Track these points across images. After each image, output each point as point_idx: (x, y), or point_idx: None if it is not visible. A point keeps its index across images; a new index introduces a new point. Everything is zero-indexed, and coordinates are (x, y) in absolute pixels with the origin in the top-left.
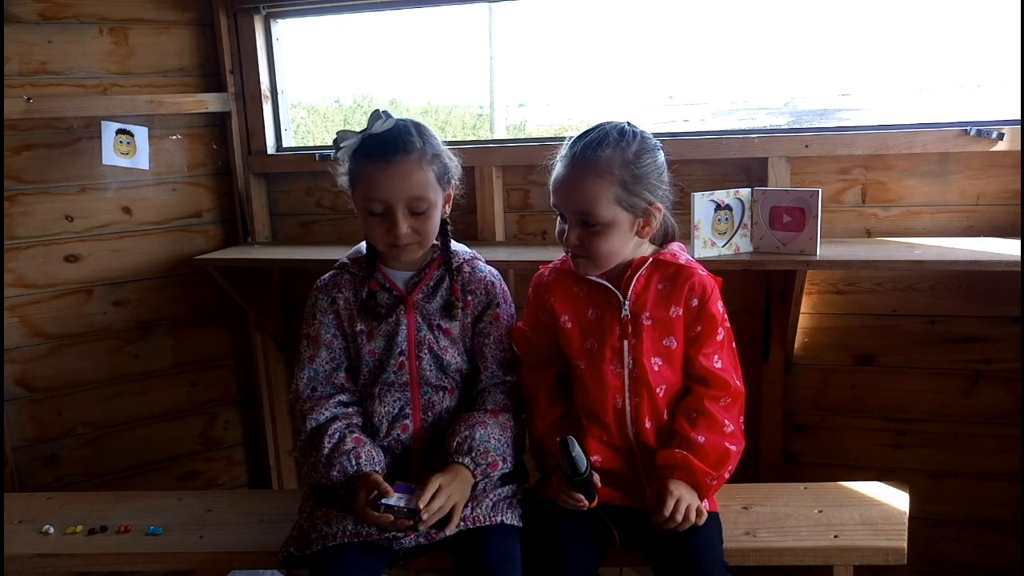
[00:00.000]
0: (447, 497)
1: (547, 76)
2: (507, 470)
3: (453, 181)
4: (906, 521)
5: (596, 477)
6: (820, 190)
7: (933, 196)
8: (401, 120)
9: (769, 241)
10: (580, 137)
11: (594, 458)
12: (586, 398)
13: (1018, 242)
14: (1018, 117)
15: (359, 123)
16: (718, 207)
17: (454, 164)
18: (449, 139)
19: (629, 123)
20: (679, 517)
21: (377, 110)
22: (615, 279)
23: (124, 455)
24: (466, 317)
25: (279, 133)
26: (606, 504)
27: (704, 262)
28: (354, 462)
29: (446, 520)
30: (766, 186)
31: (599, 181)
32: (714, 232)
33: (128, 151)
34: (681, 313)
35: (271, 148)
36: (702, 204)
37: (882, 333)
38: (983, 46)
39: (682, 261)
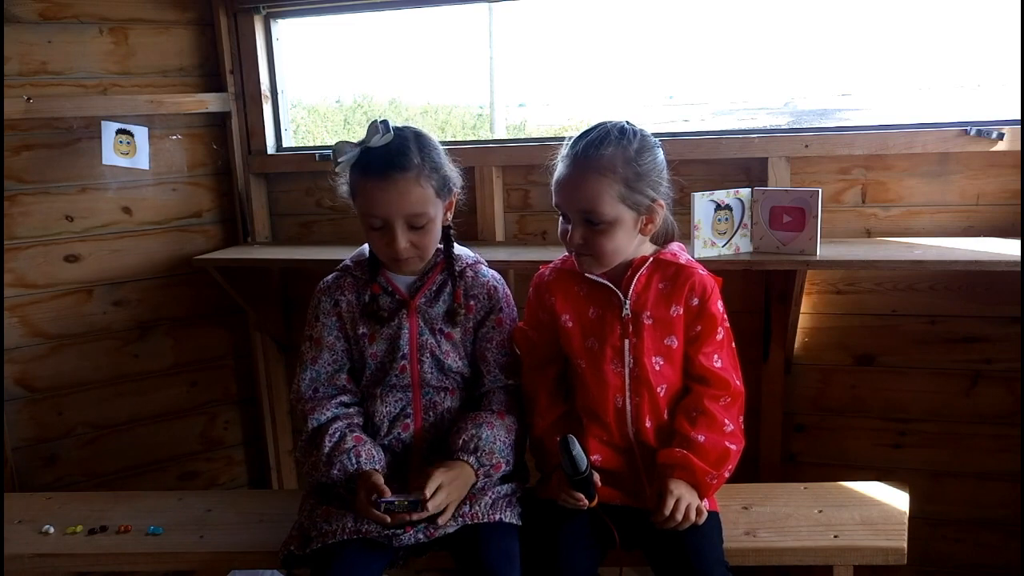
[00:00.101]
0: (446, 495)
1: (547, 76)
2: (507, 472)
3: (454, 190)
4: (906, 521)
5: (596, 476)
6: (820, 190)
7: (933, 196)
8: (400, 131)
9: (769, 241)
10: (581, 136)
11: (594, 457)
12: (587, 397)
13: (1018, 242)
14: (1018, 117)
15: (359, 123)
16: (718, 207)
17: (455, 174)
18: (449, 139)
19: (628, 122)
20: (679, 516)
21: (375, 121)
22: (616, 278)
23: (124, 455)
24: (468, 322)
25: (279, 133)
26: (606, 503)
27: (704, 262)
28: (354, 460)
29: (440, 514)
30: (766, 186)
31: (602, 179)
32: (714, 232)
33: (128, 151)
34: (681, 312)
35: (271, 148)
36: (702, 204)
37: (882, 333)
38: (983, 46)
39: (682, 261)
